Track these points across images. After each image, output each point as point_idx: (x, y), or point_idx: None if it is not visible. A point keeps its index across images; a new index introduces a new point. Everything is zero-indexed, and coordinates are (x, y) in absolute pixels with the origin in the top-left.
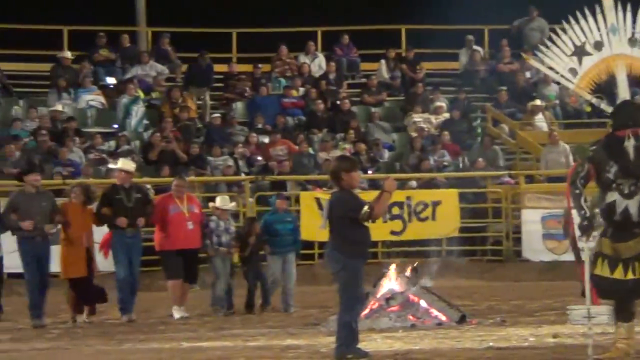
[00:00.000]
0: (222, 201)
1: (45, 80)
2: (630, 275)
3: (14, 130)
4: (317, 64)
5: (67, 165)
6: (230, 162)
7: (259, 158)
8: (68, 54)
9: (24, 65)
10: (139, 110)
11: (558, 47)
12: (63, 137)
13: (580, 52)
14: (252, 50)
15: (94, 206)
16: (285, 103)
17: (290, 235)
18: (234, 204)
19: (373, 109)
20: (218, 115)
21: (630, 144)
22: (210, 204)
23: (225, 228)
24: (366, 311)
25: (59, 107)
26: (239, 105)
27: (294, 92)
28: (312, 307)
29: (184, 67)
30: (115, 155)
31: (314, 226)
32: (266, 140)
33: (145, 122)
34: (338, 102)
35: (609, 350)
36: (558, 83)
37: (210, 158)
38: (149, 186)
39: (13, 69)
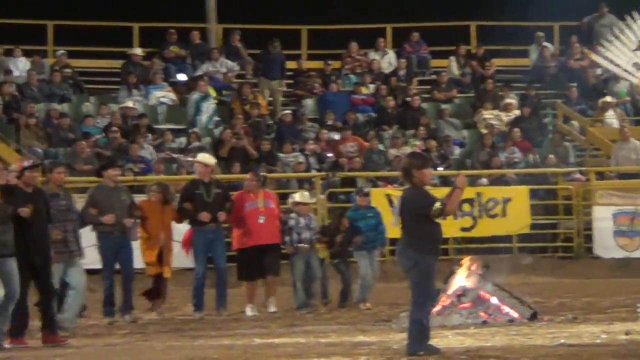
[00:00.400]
0: (301, 196)
1: (116, 76)
2: None
3: (85, 127)
4: (387, 60)
5: (138, 162)
6: (301, 159)
7: (330, 155)
8: (139, 51)
9: (95, 62)
10: (209, 106)
11: (622, 42)
12: (134, 134)
13: None
14: (322, 47)
15: (174, 205)
16: (355, 100)
17: (373, 231)
18: (314, 199)
19: (443, 106)
20: (288, 112)
21: None
22: (289, 200)
23: (306, 224)
24: (437, 308)
25: (129, 104)
26: (309, 102)
27: (364, 89)
28: (383, 304)
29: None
30: (185, 152)
31: (385, 223)
32: (337, 136)
33: (216, 118)
34: (408, 99)
35: None
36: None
37: (281, 155)
38: None
39: (84, 66)
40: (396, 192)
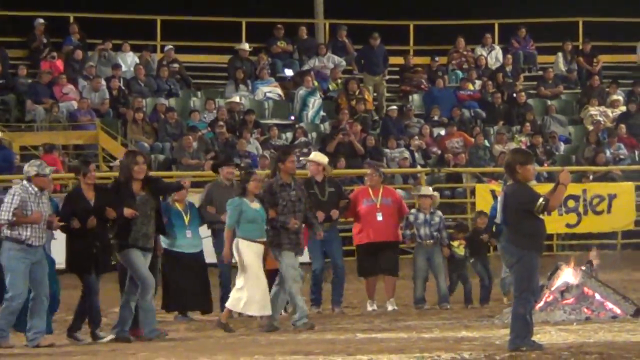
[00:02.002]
0: (422, 189)
1: (223, 72)
2: None
3: (192, 121)
4: (494, 56)
5: (244, 157)
6: (406, 154)
7: (435, 150)
8: (246, 46)
9: (203, 57)
10: (315, 102)
11: None
12: (241, 129)
13: None
14: (429, 43)
15: None
16: (461, 95)
17: None
18: (435, 193)
19: (549, 102)
20: (394, 107)
21: None
22: (413, 193)
23: (425, 220)
24: (541, 304)
25: (236, 99)
26: (415, 98)
27: (470, 85)
28: (493, 300)
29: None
30: (291, 147)
31: None
32: (442, 132)
33: (322, 114)
34: (514, 95)
35: None
36: None
37: (386, 150)
38: None
39: (192, 61)
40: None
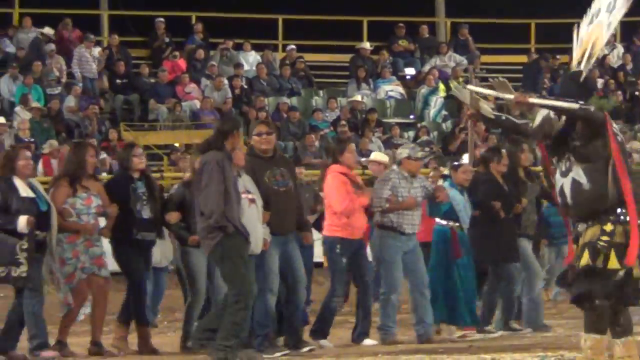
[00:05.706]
0: None
1: (344, 70)
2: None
3: (314, 120)
4: (616, 54)
5: (366, 156)
6: None
7: None
8: (367, 45)
9: (325, 56)
10: (437, 100)
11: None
12: (362, 128)
13: None
14: (550, 41)
15: None
16: None
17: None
18: None
19: None
20: None
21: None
22: None
23: None
24: None
25: (358, 98)
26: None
27: None
28: None
29: (483, 58)
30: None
31: None
32: None
33: (444, 112)
34: (637, 93)
35: None
36: None
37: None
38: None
39: (314, 60)
40: None
